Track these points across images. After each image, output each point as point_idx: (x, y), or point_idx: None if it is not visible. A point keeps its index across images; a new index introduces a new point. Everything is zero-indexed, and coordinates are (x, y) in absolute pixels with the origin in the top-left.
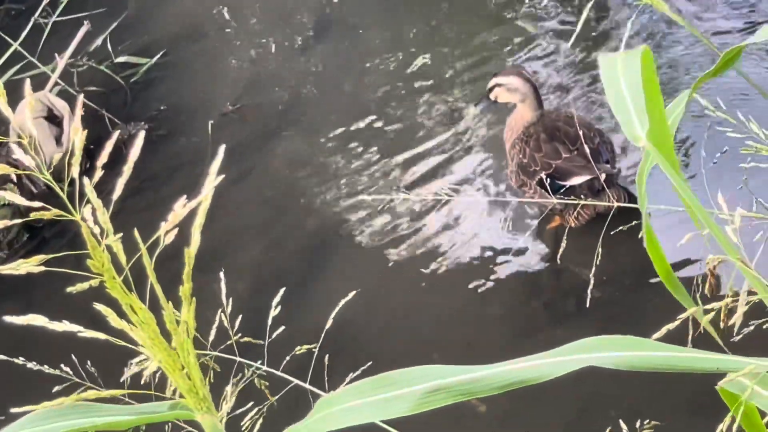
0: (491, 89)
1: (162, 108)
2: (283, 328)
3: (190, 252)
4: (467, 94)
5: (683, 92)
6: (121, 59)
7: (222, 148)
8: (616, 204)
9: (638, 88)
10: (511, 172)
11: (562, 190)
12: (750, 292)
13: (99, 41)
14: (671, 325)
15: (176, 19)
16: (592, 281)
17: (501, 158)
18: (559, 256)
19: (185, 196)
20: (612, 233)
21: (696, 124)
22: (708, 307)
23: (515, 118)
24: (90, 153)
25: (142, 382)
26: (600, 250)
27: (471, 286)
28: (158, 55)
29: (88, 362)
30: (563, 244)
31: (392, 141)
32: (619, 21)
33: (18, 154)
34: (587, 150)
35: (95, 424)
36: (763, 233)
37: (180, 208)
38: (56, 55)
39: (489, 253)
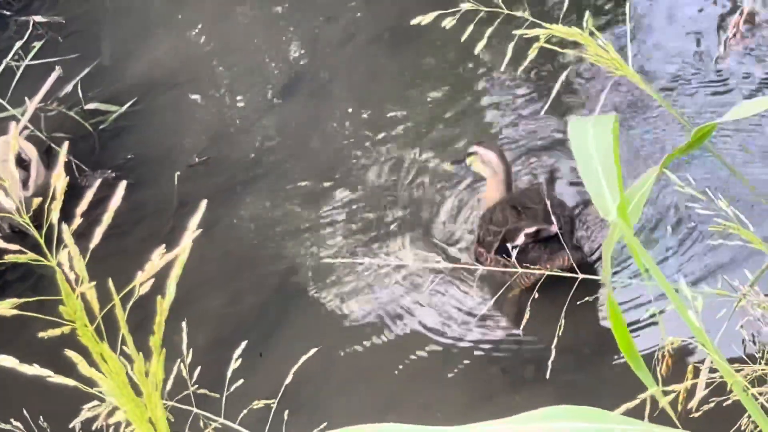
0: (469, 154)
1: (129, 157)
2: (241, 381)
3: (164, 303)
4: (438, 155)
5: (652, 167)
6: (90, 106)
7: (204, 203)
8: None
9: (609, 157)
10: (474, 244)
11: (515, 253)
12: (712, 369)
13: (69, 87)
14: (630, 404)
15: (148, 68)
16: (553, 352)
17: (468, 225)
18: (522, 326)
19: (163, 246)
20: (576, 302)
21: (664, 198)
22: (668, 388)
23: (485, 198)
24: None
25: (94, 427)
26: (563, 321)
27: (430, 348)
28: (128, 104)
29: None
30: (527, 315)
31: (359, 201)
32: (592, 93)
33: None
34: (540, 210)
35: None
36: (726, 310)
37: (157, 259)
38: (26, 98)
39: (450, 318)
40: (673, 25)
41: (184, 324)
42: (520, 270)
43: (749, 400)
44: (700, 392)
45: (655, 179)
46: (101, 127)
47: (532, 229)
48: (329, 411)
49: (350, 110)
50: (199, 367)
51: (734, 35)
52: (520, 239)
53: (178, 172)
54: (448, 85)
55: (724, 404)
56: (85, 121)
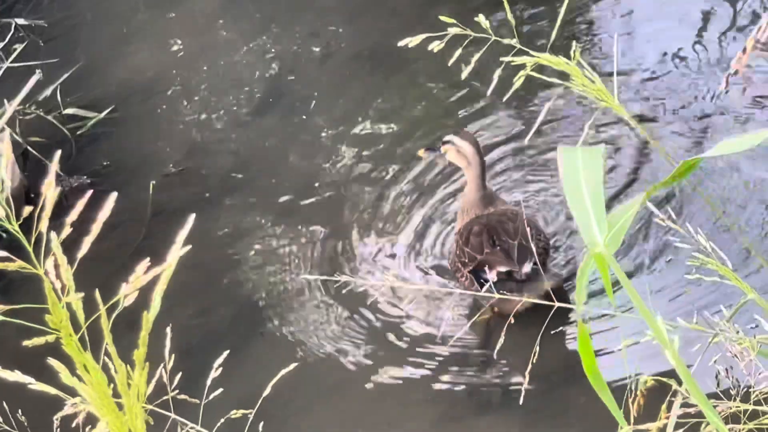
0: (444, 143)
1: (105, 163)
2: (221, 390)
3: (149, 317)
4: (419, 175)
5: (634, 198)
6: (69, 111)
7: (192, 217)
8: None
9: (599, 189)
10: (450, 258)
11: (487, 284)
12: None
13: (48, 91)
14: None
15: (128, 76)
16: (527, 378)
17: (445, 242)
18: (496, 350)
19: (148, 259)
20: (548, 331)
21: (644, 230)
22: (641, 427)
23: (464, 201)
24: (30, 201)
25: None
26: (537, 348)
27: (400, 366)
28: (107, 111)
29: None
30: (501, 339)
31: (335, 218)
32: (576, 122)
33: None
34: (515, 244)
35: None
36: (701, 345)
37: (143, 272)
38: (5, 101)
39: (419, 338)
40: (665, 59)
41: (168, 329)
42: (496, 296)
43: None
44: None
45: (637, 210)
46: (79, 132)
47: (504, 269)
48: (298, 425)
49: (328, 127)
50: (179, 374)
51: (735, 73)
52: (493, 276)
53: (154, 181)
54: (430, 106)
55: None
56: (62, 126)
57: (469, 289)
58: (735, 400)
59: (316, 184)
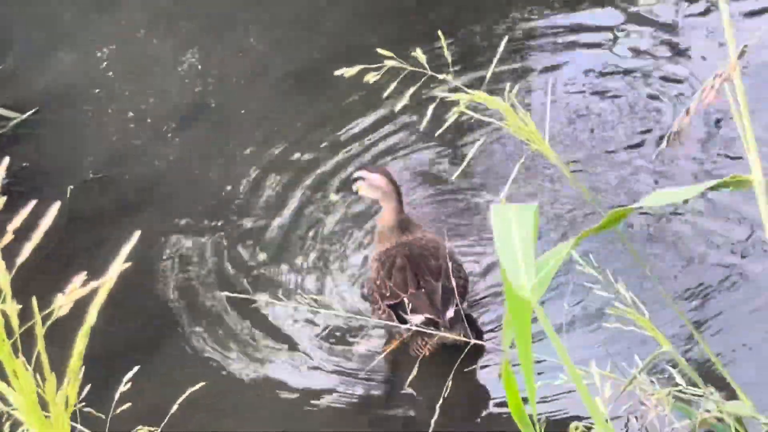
0: (354, 180)
1: (24, 165)
2: (129, 404)
3: (84, 331)
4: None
5: (561, 244)
6: None
7: (137, 234)
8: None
9: (530, 242)
10: (368, 281)
11: (406, 325)
12: None
13: None
14: None
15: (53, 80)
16: (437, 412)
17: (362, 265)
18: (406, 383)
19: (85, 273)
20: (461, 367)
21: (564, 276)
22: None
23: (381, 224)
24: None
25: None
26: (450, 383)
27: (305, 392)
28: (30, 112)
29: None
30: (414, 371)
31: (251, 237)
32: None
33: None
34: (439, 287)
35: None
36: (612, 392)
37: (79, 285)
38: None
39: (326, 363)
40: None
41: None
42: (412, 329)
43: None
44: None
45: (562, 258)
46: (0, 132)
47: (429, 316)
48: None
49: (249, 147)
50: (88, 386)
51: (677, 133)
52: (416, 320)
53: (71, 187)
54: (357, 132)
55: None
56: None
57: (384, 320)
58: None
59: (233, 202)
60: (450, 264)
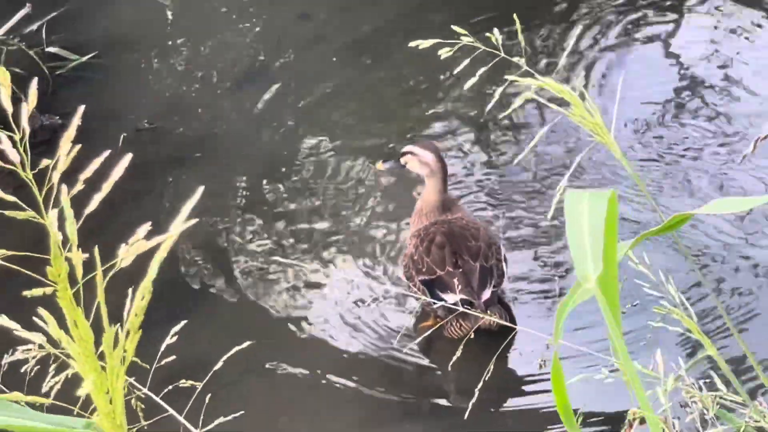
0: (403, 154)
1: (80, 107)
2: (173, 357)
3: (146, 285)
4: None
5: (622, 243)
6: (51, 49)
7: (201, 189)
8: (496, 322)
9: (600, 230)
10: (404, 256)
11: (438, 303)
12: None
13: (35, 26)
14: None
15: (115, 25)
16: (476, 394)
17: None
18: (451, 363)
19: (150, 224)
20: (495, 351)
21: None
22: None
23: (423, 202)
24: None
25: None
26: (492, 367)
27: (336, 356)
28: (89, 56)
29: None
30: (458, 352)
31: (298, 204)
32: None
33: (5, 146)
34: (477, 268)
35: (8, 424)
36: (653, 392)
37: (143, 237)
38: None
39: (361, 334)
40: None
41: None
42: (454, 313)
43: None
44: None
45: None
46: (57, 72)
47: (464, 297)
48: (243, 401)
49: (302, 112)
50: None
51: (765, 137)
52: (450, 299)
53: (125, 134)
54: (414, 107)
55: None
56: (42, 63)
57: (418, 296)
58: None
59: (284, 166)
60: (491, 247)
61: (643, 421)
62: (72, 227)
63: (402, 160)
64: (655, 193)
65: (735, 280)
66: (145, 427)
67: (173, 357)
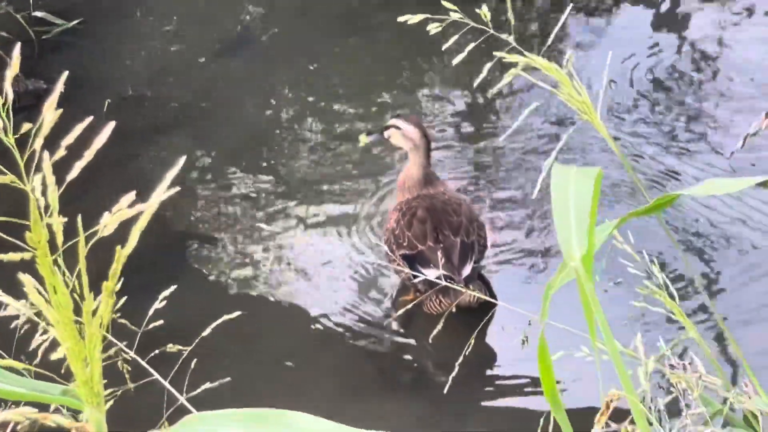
0: (387, 127)
1: (64, 72)
2: (161, 321)
3: (123, 252)
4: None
5: (607, 222)
6: (38, 14)
7: (182, 159)
8: (477, 297)
9: (586, 208)
10: (385, 230)
11: (418, 278)
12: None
13: None
14: None
15: None
16: (456, 368)
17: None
18: (431, 336)
19: (134, 192)
20: (476, 326)
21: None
22: None
23: (405, 176)
24: None
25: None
26: (473, 341)
27: (317, 329)
28: (76, 21)
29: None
30: (439, 326)
31: (281, 170)
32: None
33: None
34: (458, 243)
35: None
36: (632, 372)
37: (126, 206)
38: None
39: (342, 306)
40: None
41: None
42: (435, 288)
43: None
44: None
45: (610, 234)
46: (44, 37)
47: (444, 273)
48: (229, 368)
49: (288, 81)
50: (125, 298)
51: (755, 133)
52: (430, 274)
53: (109, 100)
54: (399, 81)
55: None
56: (29, 27)
57: (398, 269)
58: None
59: (267, 134)
60: (473, 223)
61: None
62: (53, 194)
63: (386, 134)
64: (644, 171)
65: (722, 261)
66: (132, 391)
67: (161, 321)
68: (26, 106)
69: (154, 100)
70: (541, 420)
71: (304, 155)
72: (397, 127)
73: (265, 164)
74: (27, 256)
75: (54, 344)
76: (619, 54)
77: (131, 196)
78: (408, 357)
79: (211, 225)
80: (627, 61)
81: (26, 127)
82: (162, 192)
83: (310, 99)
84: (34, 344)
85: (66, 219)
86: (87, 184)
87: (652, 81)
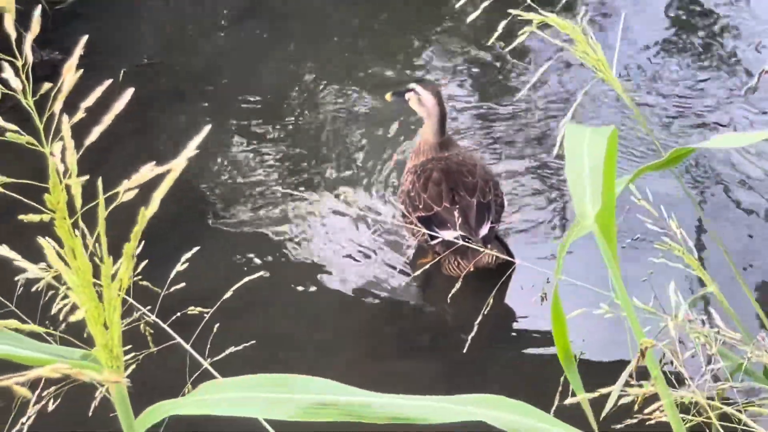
0: (408, 90)
1: (83, 37)
2: (183, 284)
3: (146, 213)
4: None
5: (623, 177)
6: None
7: (207, 128)
8: (496, 257)
9: (599, 168)
10: (401, 193)
11: (436, 239)
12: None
13: None
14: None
15: None
16: (475, 328)
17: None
18: (450, 296)
19: (153, 163)
20: (492, 286)
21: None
22: (595, 394)
23: (421, 142)
24: None
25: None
26: (491, 301)
27: (335, 292)
28: None
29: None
30: (457, 285)
31: (298, 136)
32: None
33: (7, 74)
34: (474, 203)
35: (5, 353)
36: (651, 327)
37: (148, 171)
38: None
39: (362, 271)
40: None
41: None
42: (454, 248)
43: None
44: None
45: (622, 189)
46: (57, 7)
47: (461, 233)
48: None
49: (303, 47)
50: (145, 261)
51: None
52: (447, 235)
53: (125, 69)
54: (415, 43)
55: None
56: None
57: (415, 231)
58: (677, 389)
59: (282, 101)
60: (488, 183)
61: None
62: (72, 157)
63: (406, 96)
64: (662, 127)
65: (737, 217)
66: (155, 354)
67: (183, 284)
68: (42, 77)
69: (170, 68)
70: (561, 378)
71: (321, 119)
72: (416, 92)
73: (283, 129)
74: (46, 217)
75: (74, 308)
76: (637, 11)
77: (151, 166)
78: (427, 318)
79: (231, 190)
80: (644, 18)
81: (46, 86)
82: (186, 156)
83: (326, 65)
84: (55, 309)
85: (86, 177)
86: (107, 153)
87: (670, 38)
